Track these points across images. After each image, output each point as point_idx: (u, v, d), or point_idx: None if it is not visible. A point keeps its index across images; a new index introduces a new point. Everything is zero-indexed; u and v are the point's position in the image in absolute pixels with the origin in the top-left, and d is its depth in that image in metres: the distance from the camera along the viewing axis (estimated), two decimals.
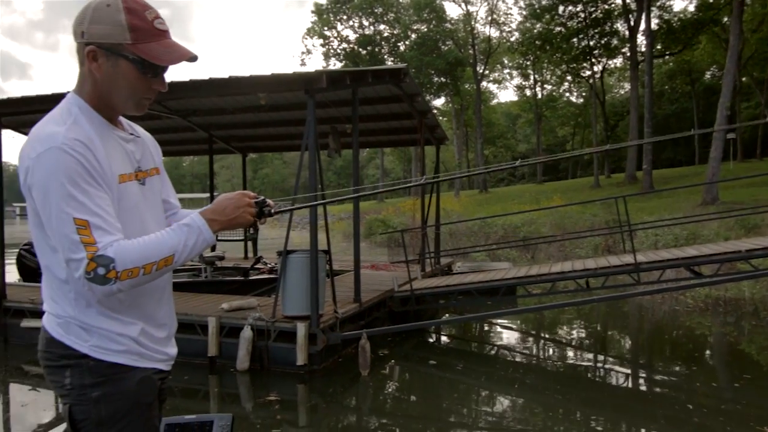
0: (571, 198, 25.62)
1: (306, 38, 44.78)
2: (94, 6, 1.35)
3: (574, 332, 8.32)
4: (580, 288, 7.40)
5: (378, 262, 11.36)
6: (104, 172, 1.33)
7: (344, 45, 43.66)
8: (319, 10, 43.30)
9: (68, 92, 1.43)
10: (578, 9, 32.43)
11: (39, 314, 6.89)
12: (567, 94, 47.34)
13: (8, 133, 9.54)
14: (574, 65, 35.26)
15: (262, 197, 1.52)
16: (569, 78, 40.48)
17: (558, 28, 33.44)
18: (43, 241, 1.36)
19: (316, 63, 46.87)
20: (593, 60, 34.01)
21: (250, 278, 8.82)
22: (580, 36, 32.97)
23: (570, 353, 7.09)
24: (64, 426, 1.71)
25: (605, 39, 32.91)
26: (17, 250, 9.39)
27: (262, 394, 5.50)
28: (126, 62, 1.36)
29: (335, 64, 42.39)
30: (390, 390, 5.87)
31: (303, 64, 44.75)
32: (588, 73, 35.68)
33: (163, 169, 1.64)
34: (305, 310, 5.79)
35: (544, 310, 8.57)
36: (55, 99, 6.84)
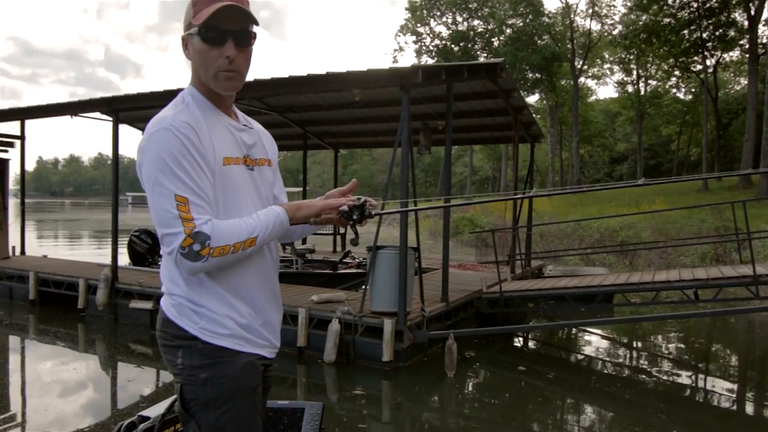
0: (675, 202, 23.88)
1: (399, 35, 44.95)
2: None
3: (676, 345, 7.71)
4: (686, 299, 6.84)
5: (465, 262, 11.17)
6: (207, 154, 1.40)
7: (437, 41, 43.41)
8: (413, 7, 43.30)
9: (181, 88, 1.56)
10: None
11: (146, 296, 7.43)
12: (674, 90, 44.20)
13: (124, 128, 10.29)
14: (684, 59, 32.77)
15: (364, 199, 1.50)
16: (677, 73, 37.73)
17: (667, 20, 31.21)
18: None
19: (407, 60, 47.00)
20: (706, 53, 31.46)
21: (339, 272, 8.97)
22: (692, 27, 30.55)
23: (671, 368, 6.57)
24: (164, 402, 1.76)
25: (720, 30, 30.31)
26: (129, 236, 10.14)
27: (347, 387, 5.55)
28: (195, 37, 1.45)
29: (427, 61, 42.26)
30: (476, 393, 5.72)
31: (395, 61, 45.02)
32: (699, 67, 33.07)
33: (276, 165, 1.71)
34: (393, 306, 5.77)
35: (644, 322, 8.00)
36: (165, 95, 7.28)
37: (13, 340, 7.36)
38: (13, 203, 11.33)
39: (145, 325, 7.50)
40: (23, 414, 4.76)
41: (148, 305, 7.43)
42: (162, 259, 1.51)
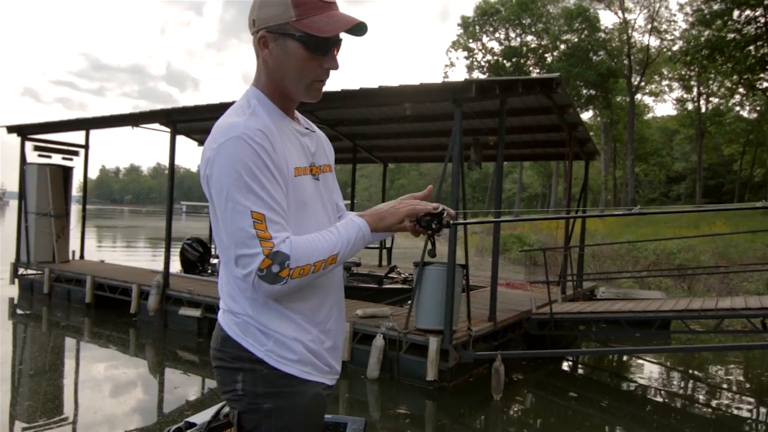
0: (737, 224, 22.72)
1: (450, 51, 44.97)
2: None
3: (738, 377, 7.23)
4: (752, 329, 6.42)
5: (514, 281, 10.91)
6: (281, 164, 1.29)
7: (488, 57, 43.17)
8: (465, 23, 43.30)
9: (249, 86, 1.42)
10: (757, 13, 28.85)
11: (195, 304, 7.56)
12: (737, 108, 42.31)
13: (180, 139, 10.61)
14: (749, 76, 31.33)
15: (442, 207, 1.40)
16: (741, 90, 36.13)
17: (731, 35, 29.99)
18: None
19: (458, 76, 46.94)
20: None
21: (384, 286, 8.90)
22: (759, 43, 29.26)
23: (732, 402, 6.15)
24: (210, 410, 1.69)
25: None
26: (181, 244, 10.40)
27: (390, 405, 5.45)
28: (293, 41, 1.30)
29: (478, 77, 42.05)
30: (523, 418, 5.51)
31: (446, 76, 44.97)
32: (766, 84, 31.58)
33: (333, 169, 1.58)
34: (438, 324, 5.65)
35: (705, 351, 7.55)
36: (221, 107, 7.45)
37: (69, 342, 7.63)
38: (75, 209, 11.83)
39: (193, 332, 7.62)
40: (75, 414, 4.89)
41: (196, 313, 7.57)
42: (220, 271, 1.41)
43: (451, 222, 1.40)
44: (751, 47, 29.62)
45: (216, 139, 1.26)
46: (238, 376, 1.34)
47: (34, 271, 10.40)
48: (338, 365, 1.48)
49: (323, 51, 1.32)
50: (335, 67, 1.36)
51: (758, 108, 39.71)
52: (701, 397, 6.44)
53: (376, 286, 9.00)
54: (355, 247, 1.33)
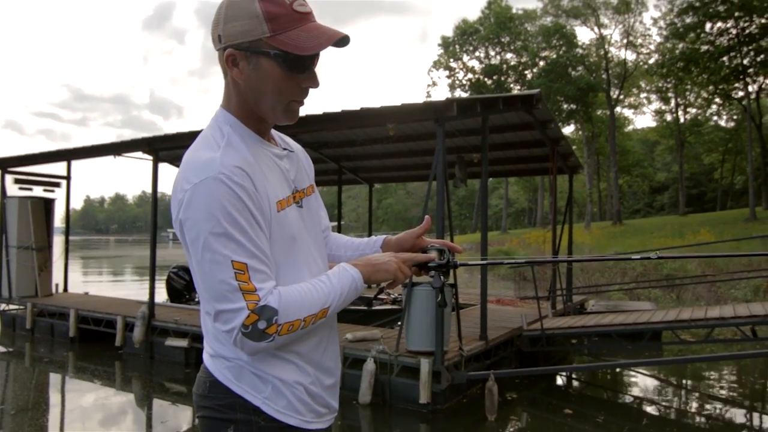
0: (721, 232, 22.99)
1: (432, 71, 45.52)
2: (227, 3, 1.16)
3: (731, 385, 7.22)
4: (744, 337, 6.42)
5: (503, 297, 10.87)
6: (263, 203, 1.15)
7: (470, 75, 43.74)
8: (445, 43, 43.93)
9: (218, 108, 1.26)
10: (729, 25, 29.59)
11: (181, 334, 7.42)
12: (715, 118, 43.14)
13: (164, 167, 10.53)
14: (724, 86, 32.02)
15: (447, 249, 1.33)
16: (718, 100, 36.86)
17: (705, 47, 30.69)
18: None
19: (440, 95, 47.39)
20: (747, 80, 30.68)
21: (373, 308, 8.82)
22: (732, 54, 29.97)
23: (726, 411, 6.12)
24: None
25: (762, 56, 29.59)
26: (167, 272, 10.25)
27: (384, 430, 5.35)
28: (267, 60, 1.15)
29: (460, 95, 42.51)
30: None
31: (428, 96, 45.45)
32: (741, 94, 32.24)
33: (315, 188, 1.45)
34: (429, 345, 5.59)
35: (700, 362, 7.53)
36: None
37: (53, 378, 7.44)
38: (59, 241, 11.64)
39: (180, 363, 7.47)
40: None
41: (183, 343, 7.42)
42: (201, 313, 1.27)
43: (458, 263, 1.32)
44: (725, 58, 30.32)
45: (189, 179, 1.11)
46: (229, 428, 1.20)
47: (16, 306, 10.18)
48: (336, 403, 1.37)
49: (301, 69, 1.17)
50: (315, 85, 1.21)
51: (735, 117, 40.54)
52: (696, 407, 6.41)
53: (365, 308, 8.91)
54: (347, 299, 1.22)
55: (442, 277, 1.32)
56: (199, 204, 1.09)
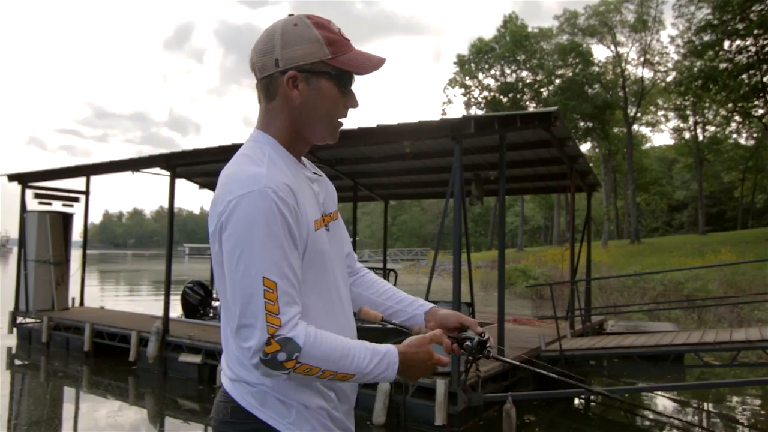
0: (743, 251, 22.52)
1: (447, 88, 45.63)
2: (280, 30, 1.22)
3: (756, 409, 6.98)
4: None
5: (521, 316, 10.71)
6: (302, 221, 1.17)
7: (485, 93, 43.79)
8: (461, 61, 44.08)
9: (254, 131, 1.30)
10: (748, 42, 29.33)
11: (195, 350, 7.39)
12: (734, 136, 42.60)
13: (181, 182, 10.60)
14: (744, 104, 31.66)
15: (485, 336, 1.30)
16: (737, 118, 36.45)
17: (724, 65, 30.42)
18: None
19: (456, 112, 47.46)
20: (767, 97, 30.30)
21: (388, 326, 8.71)
22: (751, 71, 29.67)
23: None
24: None
25: None
26: (183, 288, 10.26)
27: None
28: (326, 81, 1.23)
29: (476, 112, 42.55)
30: None
31: (444, 113, 45.51)
32: (761, 111, 31.84)
33: (339, 215, 1.47)
34: (446, 366, 5.47)
35: (725, 387, 7.30)
36: (219, 151, 7.45)
37: (67, 392, 7.44)
38: (76, 256, 11.74)
39: (194, 380, 7.42)
40: None
41: (197, 359, 7.38)
42: (223, 329, 1.27)
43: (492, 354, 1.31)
44: (744, 75, 30.01)
45: (233, 191, 1.12)
46: None
47: (32, 320, 10.25)
48: (353, 425, 1.36)
49: (348, 88, 1.27)
50: (356, 105, 1.30)
51: (755, 135, 39.98)
52: (718, 429, 6.20)
53: (379, 325, 8.80)
54: (369, 379, 1.19)
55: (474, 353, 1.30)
56: (241, 216, 1.10)
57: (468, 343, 1.30)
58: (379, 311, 1.51)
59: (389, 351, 1.20)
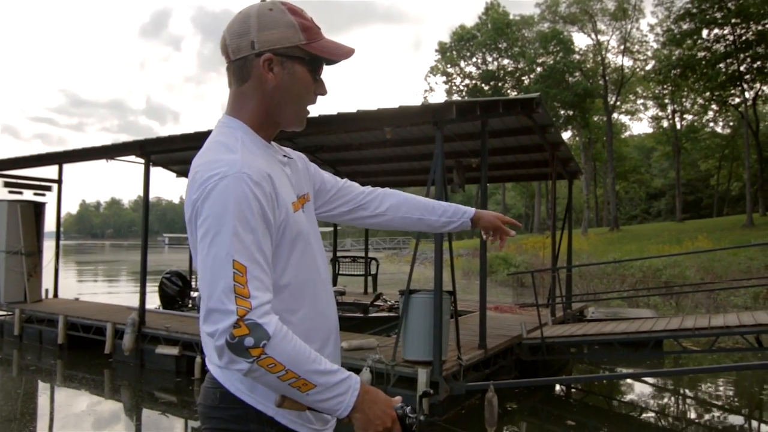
0: (719, 238, 22.90)
1: (429, 76, 45.51)
2: (256, 13, 1.22)
3: (734, 393, 7.08)
4: (748, 346, 6.29)
5: (502, 304, 10.72)
6: (279, 205, 1.17)
7: (467, 81, 43.76)
8: (442, 49, 43.97)
9: (224, 117, 1.28)
10: (726, 31, 29.65)
11: (172, 342, 7.24)
12: (711, 124, 43.22)
13: (157, 170, 10.37)
14: (721, 93, 32.07)
15: (408, 408, 1.19)
16: (714, 107, 36.95)
17: (702, 53, 30.74)
18: None
19: (438, 100, 47.40)
20: (744, 86, 30.73)
21: (370, 315, 8.65)
22: (728, 60, 30.03)
23: (726, 419, 5.98)
24: None
25: (759, 62, 29.64)
26: (160, 278, 10.06)
27: None
28: (300, 66, 1.24)
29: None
30: None
31: (425, 101, 45.40)
32: (737, 100, 32.30)
33: (318, 175, 1.55)
34: (427, 355, 5.42)
35: (704, 373, 7.38)
36: (195, 137, 7.26)
37: (41, 386, 7.24)
38: (49, 246, 11.43)
39: (171, 372, 7.28)
40: None
41: (174, 351, 7.23)
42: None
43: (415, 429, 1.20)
44: (722, 64, 30.39)
45: (208, 178, 1.10)
46: None
47: (4, 313, 9.98)
48: None
49: (318, 75, 1.29)
50: (325, 92, 1.32)
51: (731, 123, 40.61)
52: (696, 416, 6.26)
53: (361, 315, 8.75)
54: (323, 396, 1.09)
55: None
56: (215, 200, 1.09)
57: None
58: (434, 228, 1.69)
59: (354, 376, 1.14)
